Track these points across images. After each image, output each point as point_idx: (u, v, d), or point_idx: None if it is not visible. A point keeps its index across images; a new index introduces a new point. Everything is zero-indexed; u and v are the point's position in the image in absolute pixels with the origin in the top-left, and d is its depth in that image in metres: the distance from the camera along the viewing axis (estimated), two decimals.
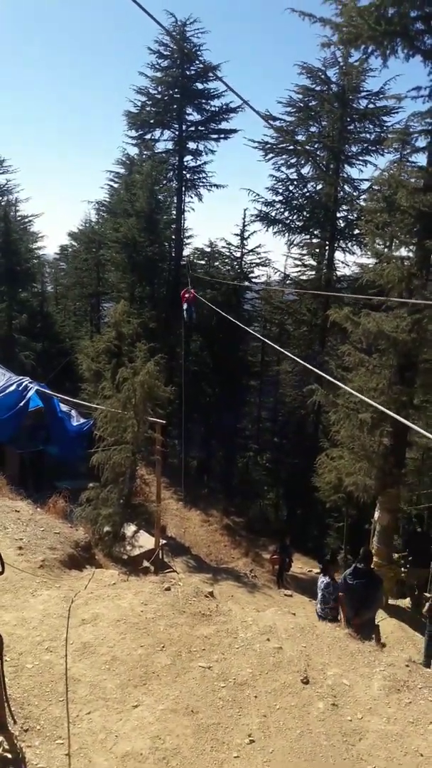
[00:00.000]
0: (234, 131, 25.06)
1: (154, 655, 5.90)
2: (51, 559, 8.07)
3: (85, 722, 4.87)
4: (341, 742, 5.00)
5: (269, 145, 22.84)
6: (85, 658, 5.73)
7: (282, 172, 23.17)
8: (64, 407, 15.07)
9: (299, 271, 25.64)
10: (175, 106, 24.63)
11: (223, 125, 25.11)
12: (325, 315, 19.62)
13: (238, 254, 25.20)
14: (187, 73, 24.11)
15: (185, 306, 18.94)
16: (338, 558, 9.04)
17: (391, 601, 12.13)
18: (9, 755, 4.27)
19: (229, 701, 5.34)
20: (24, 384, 14.21)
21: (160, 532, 13.29)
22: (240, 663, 5.90)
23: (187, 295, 19.00)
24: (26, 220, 32.63)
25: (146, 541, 12.95)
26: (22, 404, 13.90)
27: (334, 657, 6.20)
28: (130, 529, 12.54)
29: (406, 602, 12.35)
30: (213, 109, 24.80)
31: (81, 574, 8.20)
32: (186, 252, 26.20)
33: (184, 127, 24.88)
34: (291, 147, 22.71)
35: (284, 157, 23.00)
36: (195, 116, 25.05)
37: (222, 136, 25.20)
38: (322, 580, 8.25)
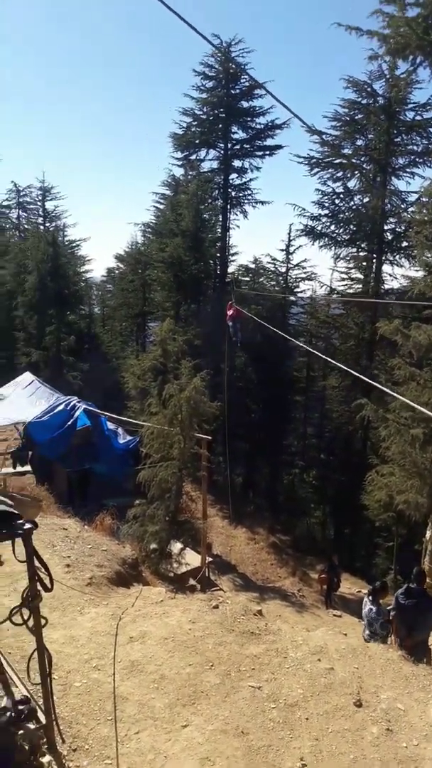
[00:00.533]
0: (279, 147, 25.26)
1: (202, 674, 5.81)
2: (98, 576, 8.10)
3: (133, 742, 4.81)
4: None
5: (315, 160, 22.86)
6: (134, 676, 5.68)
7: (328, 186, 23.16)
8: (111, 425, 15.25)
9: (346, 284, 25.42)
10: (220, 126, 25.01)
11: (269, 142, 25.40)
12: (373, 328, 19.33)
13: (284, 269, 25.20)
14: (232, 92, 24.51)
15: (230, 323, 18.93)
16: (388, 584, 8.66)
17: None
18: None
19: (279, 723, 5.20)
20: (72, 403, 14.46)
21: (206, 550, 13.20)
22: (290, 683, 5.75)
23: (230, 312, 19.00)
24: (74, 244, 33.61)
25: (192, 559, 12.88)
26: (70, 423, 14.13)
27: (388, 680, 5.97)
28: (176, 546, 12.51)
29: None
30: (258, 126, 25.11)
31: (128, 592, 8.20)
32: (231, 269, 26.44)
33: (229, 145, 25.22)
34: (337, 161, 22.67)
35: (330, 171, 22.97)
36: (240, 134, 25.44)
37: (267, 152, 25.45)
38: (370, 607, 7.96)
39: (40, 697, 4.49)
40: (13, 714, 4.33)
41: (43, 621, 4.32)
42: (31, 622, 4.25)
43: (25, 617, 4.22)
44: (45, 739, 4.44)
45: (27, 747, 4.26)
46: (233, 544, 18.08)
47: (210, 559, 13.75)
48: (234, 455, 21.80)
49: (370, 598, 8.04)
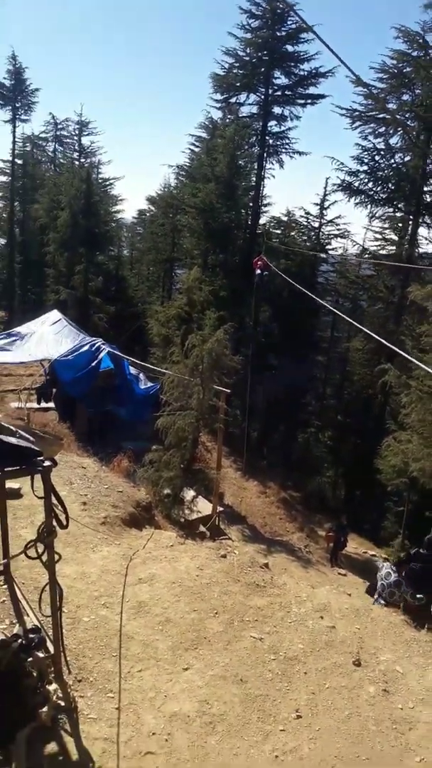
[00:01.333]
0: (322, 96, 24.11)
1: (206, 620, 5.96)
2: (113, 516, 8.28)
3: (135, 679, 4.99)
4: (390, 729, 4.91)
5: (357, 113, 21.84)
6: (140, 616, 5.86)
7: (369, 141, 22.14)
8: (133, 370, 15.29)
9: (379, 245, 24.68)
10: (262, 69, 23.88)
11: (311, 90, 24.18)
12: (404, 292, 18.87)
13: (317, 224, 24.51)
14: (278, 34, 23.28)
15: (257, 272, 18.85)
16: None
17: None
18: (62, 703, 4.43)
19: (278, 674, 5.35)
20: (97, 345, 14.47)
21: (218, 499, 13.40)
22: (292, 638, 5.89)
23: (259, 263, 18.87)
24: (107, 183, 33.05)
25: (204, 507, 13.09)
26: (93, 364, 14.18)
27: (389, 642, 6.08)
28: (189, 493, 12.70)
29: None
30: (302, 72, 23.89)
31: (140, 534, 8.38)
32: (262, 220, 25.75)
33: (270, 91, 24.14)
34: (381, 115, 21.64)
35: (372, 125, 21.95)
36: (282, 80, 24.23)
37: (309, 101, 24.31)
38: (393, 576, 7.89)
39: (50, 627, 4.65)
40: (24, 641, 4.50)
41: (56, 557, 4.43)
42: (45, 557, 4.36)
43: (40, 551, 4.33)
44: (52, 668, 4.63)
45: (35, 673, 4.45)
46: (244, 496, 18.29)
47: (221, 509, 13.96)
48: (252, 410, 21.83)
49: (394, 568, 8.03)
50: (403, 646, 6.04)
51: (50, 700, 4.40)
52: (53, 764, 4.08)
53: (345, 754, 4.61)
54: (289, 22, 23.01)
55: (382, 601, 7.63)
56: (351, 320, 12.68)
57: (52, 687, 4.50)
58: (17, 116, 34.27)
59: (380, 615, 6.63)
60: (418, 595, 7.68)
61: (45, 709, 4.32)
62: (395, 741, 4.80)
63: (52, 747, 4.18)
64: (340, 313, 14.05)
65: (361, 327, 11.01)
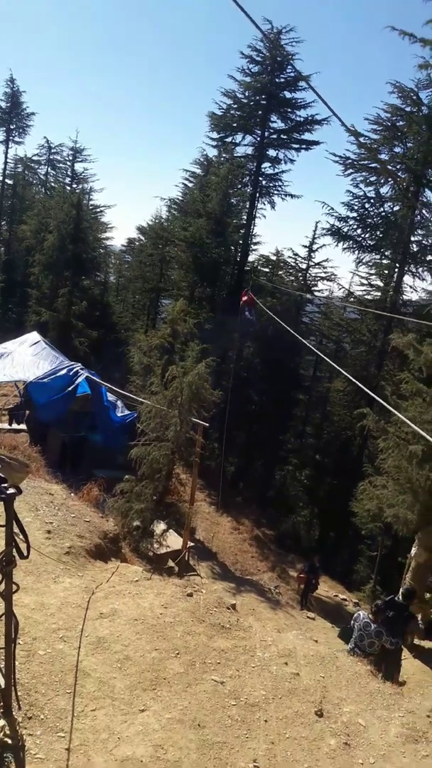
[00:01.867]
0: (316, 143, 24.83)
1: (167, 660, 5.76)
2: (78, 546, 8.06)
3: (89, 719, 4.76)
4: None
5: (350, 161, 22.49)
6: (99, 653, 5.63)
7: (360, 189, 22.80)
8: (111, 397, 15.16)
9: (364, 290, 25.16)
10: (259, 112, 24.60)
11: (306, 136, 24.92)
12: (386, 339, 19.12)
13: (304, 266, 24.95)
14: (277, 80, 24.06)
15: (244, 309, 19.09)
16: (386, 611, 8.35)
17: (416, 642, 11.63)
18: (9, 741, 4.19)
19: (237, 721, 5.15)
20: (75, 369, 14.35)
21: (189, 534, 13.17)
22: (254, 683, 5.70)
23: (245, 298, 19.14)
24: (98, 209, 33.40)
25: (174, 541, 12.86)
26: (70, 389, 14.04)
27: (353, 693, 5.92)
28: (159, 527, 12.48)
29: None
30: (298, 118, 24.64)
31: (105, 566, 8.16)
32: (251, 258, 26.17)
33: (266, 133, 24.81)
34: (372, 165, 22.29)
35: (364, 174, 22.61)
36: (279, 124, 24.98)
37: (303, 146, 25.00)
38: (372, 626, 7.61)
39: (2, 660, 4.44)
40: None
41: (15, 587, 4.26)
42: (1, 587, 4.18)
43: None
44: (1, 703, 4.39)
45: None
46: (217, 531, 18.04)
47: (192, 544, 13.72)
48: (229, 444, 21.74)
49: (371, 617, 7.79)
50: (367, 698, 5.88)
51: None
52: None
53: None
54: (288, 70, 23.83)
55: (359, 651, 7.38)
56: (332, 363, 12.77)
57: (0, 723, 4.27)
58: (11, 138, 34.88)
59: (346, 664, 6.47)
60: (393, 640, 7.53)
61: None
62: None
63: None
64: (322, 355, 14.18)
65: (341, 370, 11.08)
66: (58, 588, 6.65)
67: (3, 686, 4.38)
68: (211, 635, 6.37)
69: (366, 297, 24.81)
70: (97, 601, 6.58)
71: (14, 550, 4.13)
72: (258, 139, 25.00)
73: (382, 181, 22.41)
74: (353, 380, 8.65)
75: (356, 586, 18.93)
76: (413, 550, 12.19)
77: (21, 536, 4.18)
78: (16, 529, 4.10)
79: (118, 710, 4.97)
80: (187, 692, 5.37)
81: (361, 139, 21.67)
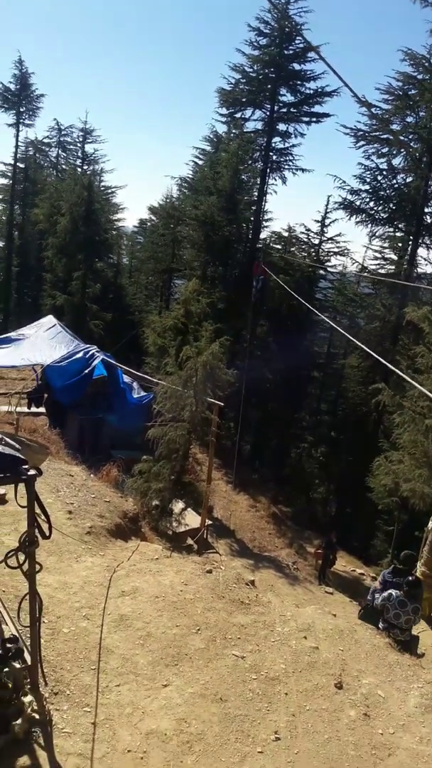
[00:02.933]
0: (327, 115, 24.30)
1: (188, 636, 5.88)
2: (99, 526, 8.19)
3: (113, 694, 4.90)
4: (369, 755, 4.83)
5: (362, 133, 22.03)
6: (121, 630, 5.77)
7: (372, 161, 22.35)
8: (126, 379, 15.24)
9: (378, 264, 24.84)
10: (268, 86, 24.09)
11: (316, 108, 24.37)
12: (401, 312, 18.93)
13: (317, 241, 24.66)
14: (285, 52, 23.51)
15: (256, 278, 19.24)
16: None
17: None
18: (37, 716, 4.34)
19: (258, 694, 5.27)
20: (91, 352, 14.43)
21: (207, 513, 13.31)
22: (274, 657, 5.81)
23: (258, 269, 19.32)
24: (109, 190, 33.20)
25: (192, 520, 13.00)
26: (87, 371, 14.13)
27: (372, 665, 6.01)
28: (178, 505, 12.62)
29: None
30: (308, 91, 24.08)
31: (126, 545, 8.30)
32: (263, 235, 25.87)
33: (276, 107, 24.32)
34: (384, 136, 21.84)
35: (376, 146, 22.14)
36: (288, 97, 24.42)
37: (314, 119, 24.49)
38: (397, 597, 7.34)
39: (28, 638, 4.57)
40: (0, 651, 4.42)
41: (37, 567, 4.36)
42: (25, 567, 4.29)
43: (21, 561, 4.26)
44: (28, 680, 4.54)
45: (10, 684, 4.36)
46: (234, 510, 18.19)
47: (210, 522, 13.86)
48: (245, 423, 21.79)
49: (400, 588, 7.51)
50: (386, 670, 5.97)
51: (24, 712, 4.31)
52: None
53: None
54: (296, 41, 23.24)
55: (396, 631, 7.16)
56: (349, 336, 12.63)
57: (27, 699, 4.41)
58: (21, 120, 34.39)
59: (364, 637, 6.56)
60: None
61: (19, 721, 4.23)
62: (374, 767, 4.72)
63: (24, 761, 4.09)
64: (339, 328, 14.02)
65: (358, 343, 10.98)
66: (80, 567, 6.78)
67: (30, 663, 4.53)
68: (230, 611, 6.48)
69: (380, 271, 24.51)
70: (118, 580, 6.71)
71: (36, 530, 4.23)
72: (268, 113, 24.55)
73: (394, 152, 21.97)
74: (370, 352, 8.61)
75: (373, 560, 19.03)
76: (430, 524, 12.22)
77: (43, 517, 4.27)
78: (38, 510, 4.19)
79: (142, 686, 5.11)
80: (209, 667, 5.50)
81: (373, 110, 21.24)
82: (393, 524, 17.87)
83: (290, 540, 17.94)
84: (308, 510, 22.39)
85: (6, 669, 4.35)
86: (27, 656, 4.56)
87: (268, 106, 24.40)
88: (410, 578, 7.58)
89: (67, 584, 6.30)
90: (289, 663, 5.74)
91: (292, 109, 24.64)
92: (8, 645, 4.55)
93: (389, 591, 7.37)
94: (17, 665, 4.44)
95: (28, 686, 4.52)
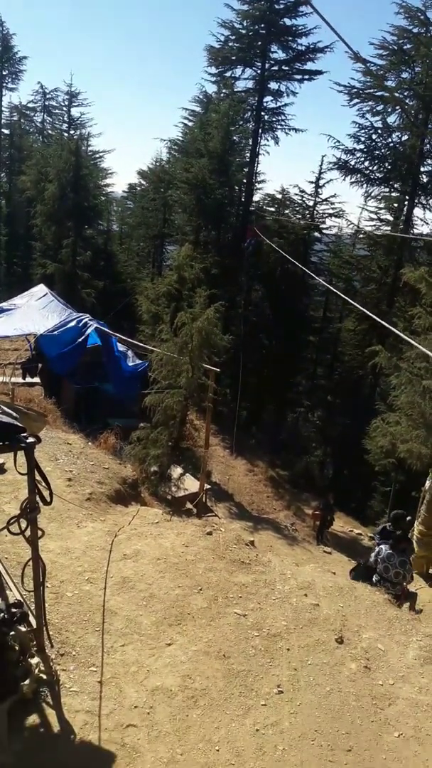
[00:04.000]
0: (319, 72, 23.68)
1: (190, 596, 5.97)
2: (98, 492, 8.24)
3: (118, 654, 5.00)
4: (370, 705, 4.96)
5: (356, 90, 21.52)
6: (124, 592, 5.85)
7: (366, 119, 21.91)
8: (121, 347, 15.16)
9: (374, 225, 24.54)
10: (259, 43, 23.37)
11: (309, 66, 23.73)
12: (397, 274, 18.81)
13: (311, 203, 24.32)
14: (276, 6, 22.72)
15: (248, 240, 19.04)
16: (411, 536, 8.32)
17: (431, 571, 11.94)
18: (44, 676, 4.43)
19: (261, 650, 5.37)
20: (84, 321, 14.30)
21: (206, 477, 13.42)
22: (275, 615, 5.91)
23: (250, 233, 19.15)
24: (97, 155, 32.44)
25: (191, 484, 13.12)
26: (80, 340, 14.03)
27: (371, 621, 6.13)
28: (176, 471, 12.71)
29: None
30: (299, 47, 23.39)
31: (126, 510, 8.37)
32: (256, 197, 25.46)
33: (267, 65, 23.64)
34: (379, 93, 21.34)
35: (370, 103, 21.66)
36: (280, 54, 23.73)
37: (306, 77, 23.85)
38: (386, 551, 7.63)
39: (33, 602, 4.63)
40: (5, 615, 4.48)
41: (39, 533, 4.39)
42: (28, 533, 4.32)
43: (23, 527, 4.28)
44: (35, 642, 4.61)
45: (17, 647, 4.43)
46: (232, 474, 18.36)
47: (208, 486, 13.99)
48: (241, 388, 21.84)
49: (391, 545, 7.74)
50: (385, 624, 6.09)
51: (32, 673, 4.39)
52: (35, 736, 4.09)
53: (325, 728, 4.66)
54: None
55: (387, 584, 7.38)
56: (347, 298, 12.54)
57: (34, 660, 4.49)
58: (4, 84, 33.47)
59: (364, 594, 6.67)
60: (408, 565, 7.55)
61: (27, 682, 4.31)
62: (375, 716, 4.85)
63: (33, 719, 4.18)
64: (336, 290, 13.92)
65: (356, 305, 10.87)
66: (82, 532, 6.85)
67: (35, 627, 4.59)
68: (231, 571, 6.57)
69: (376, 232, 24.25)
70: (120, 543, 6.78)
71: (37, 497, 4.24)
72: (258, 71, 23.87)
73: (389, 109, 21.49)
74: (369, 314, 8.53)
75: (371, 521, 19.31)
76: (427, 484, 12.36)
77: (43, 484, 4.28)
78: (38, 477, 4.19)
79: (146, 645, 5.20)
80: (211, 626, 5.59)
81: (368, 65, 20.71)
82: (390, 485, 18.09)
83: (288, 502, 18.16)
84: (305, 473, 22.60)
85: (12, 632, 4.41)
86: (32, 620, 4.63)
87: (259, 64, 23.73)
88: (397, 533, 7.82)
89: (69, 549, 6.37)
90: (290, 620, 5.85)
91: (283, 67, 23.99)
92: (13, 609, 4.60)
93: (380, 546, 7.65)
94: (23, 629, 4.50)
95: (35, 648, 4.60)
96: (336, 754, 4.45)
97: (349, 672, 5.27)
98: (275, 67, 23.93)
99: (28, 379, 15.60)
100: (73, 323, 14.14)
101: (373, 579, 7.42)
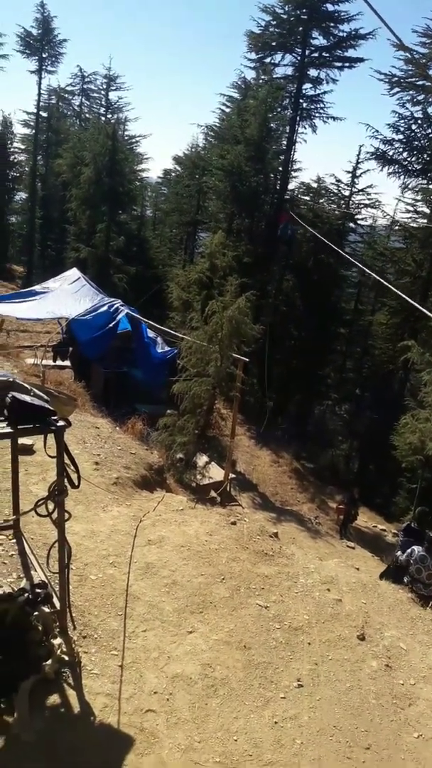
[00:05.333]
0: (360, 60, 23.10)
1: (213, 585, 5.98)
2: (125, 477, 8.29)
3: (140, 639, 5.03)
4: (390, 704, 4.92)
5: (396, 79, 20.99)
6: (147, 577, 5.88)
7: (406, 108, 21.35)
8: (151, 333, 15.19)
9: (410, 218, 24.03)
10: (300, 28, 22.93)
11: (350, 53, 23.18)
12: None
13: (347, 193, 23.91)
14: None
15: (281, 225, 18.89)
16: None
17: None
18: (66, 658, 4.48)
19: (282, 643, 5.36)
20: (115, 306, 14.36)
21: (231, 466, 13.41)
22: (297, 608, 5.88)
23: (285, 218, 19.00)
24: (133, 140, 32.50)
25: (216, 473, 13.12)
26: (111, 325, 14.09)
27: (394, 619, 6.06)
28: (202, 459, 12.72)
29: None
30: (341, 34, 22.86)
31: (151, 496, 8.40)
32: (292, 186, 25.13)
33: (307, 51, 23.20)
34: (420, 82, 20.79)
35: (411, 93, 21.12)
36: (320, 41, 23.22)
37: (347, 64, 23.33)
38: (419, 552, 7.48)
39: (57, 584, 4.68)
40: (30, 596, 4.54)
41: (66, 515, 4.42)
42: (54, 515, 4.35)
43: (50, 509, 4.31)
44: (57, 623, 4.67)
45: (40, 627, 4.49)
46: (257, 465, 18.31)
47: (233, 476, 13.99)
48: (269, 379, 21.72)
49: (421, 543, 7.64)
50: (408, 623, 6.02)
51: (54, 653, 4.44)
52: (55, 715, 4.14)
53: (343, 724, 4.63)
54: None
55: (420, 585, 7.27)
56: (389, 285, 12.10)
57: (57, 641, 4.54)
58: (43, 67, 33.41)
59: (387, 591, 6.61)
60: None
61: (49, 662, 4.37)
62: (394, 716, 4.81)
63: (54, 699, 4.24)
64: (374, 274, 13.53)
65: (398, 291, 10.58)
66: (107, 516, 6.90)
67: (58, 608, 4.64)
68: (254, 562, 6.56)
69: (411, 225, 23.76)
70: (144, 529, 6.82)
71: (65, 480, 4.27)
72: (298, 58, 23.45)
73: (430, 99, 20.97)
74: (410, 300, 8.32)
75: (395, 517, 19.10)
76: None
77: (72, 467, 4.30)
78: (66, 461, 4.21)
79: (168, 631, 5.22)
80: (233, 615, 5.59)
81: (410, 53, 20.18)
82: (416, 482, 17.85)
83: (312, 495, 18.06)
84: (331, 466, 22.43)
85: (36, 613, 4.47)
86: (56, 601, 4.68)
87: (299, 50, 23.30)
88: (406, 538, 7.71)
89: (95, 533, 6.42)
90: (312, 614, 5.82)
91: (324, 54, 23.48)
92: (38, 590, 4.66)
93: (412, 547, 7.49)
94: (47, 609, 4.55)
95: (57, 630, 4.65)
96: (354, 751, 4.42)
97: (370, 669, 5.22)
98: (315, 54, 23.47)
99: (59, 362, 15.76)
100: (104, 308, 14.20)
101: (405, 580, 7.28)
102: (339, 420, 25.70)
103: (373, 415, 23.87)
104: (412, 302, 8.35)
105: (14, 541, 5.62)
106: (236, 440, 14.91)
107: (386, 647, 5.53)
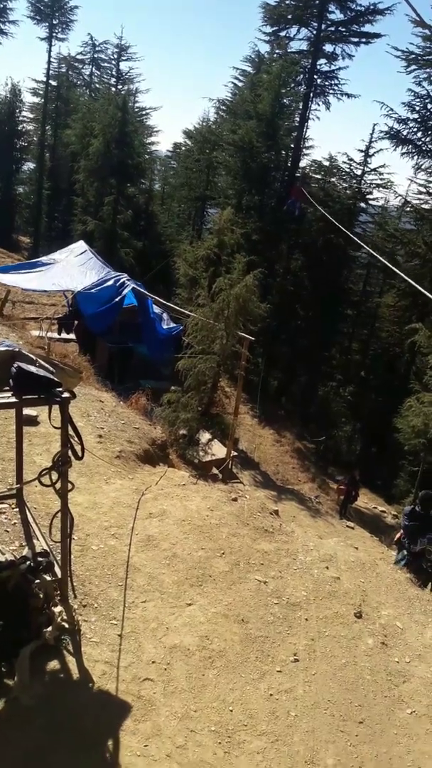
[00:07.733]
0: (377, 36, 22.64)
1: (213, 559, 6.03)
2: (128, 451, 8.32)
3: (139, 609, 5.09)
4: (385, 680, 4.98)
5: (414, 56, 20.56)
6: (148, 550, 5.94)
7: (423, 87, 20.95)
8: (156, 309, 15.12)
9: (422, 199, 23.73)
10: (317, 1, 22.43)
11: (367, 28, 22.70)
12: None
13: (359, 172, 23.59)
14: None
15: (290, 200, 18.71)
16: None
17: None
18: (66, 625, 4.54)
19: (279, 618, 5.42)
20: (122, 281, 14.28)
21: (233, 444, 13.45)
22: (296, 584, 5.94)
23: (294, 193, 18.80)
24: (144, 112, 32.05)
25: (218, 450, 13.16)
26: (117, 300, 14.03)
27: (391, 598, 6.12)
28: (204, 436, 12.75)
29: None
30: (358, 8, 22.35)
31: (154, 470, 8.44)
32: (303, 163, 24.83)
33: (323, 26, 22.71)
34: None
35: (429, 71, 20.70)
36: (337, 15, 22.75)
37: (363, 40, 22.86)
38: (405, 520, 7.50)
39: (59, 553, 4.73)
40: (32, 563, 4.59)
41: (69, 486, 4.45)
42: (58, 485, 4.37)
43: (54, 480, 4.34)
44: (58, 591, 4.72)
45: (42, 595, 4.55)
46: (259, 443, 18.38)
47: (235, 453, 14.04)
48: (274, 358, 21.70)
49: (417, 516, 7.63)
50: (405, 603, 6.08)
51: (55, 621, 4.50)
52: (55, 680, 4.22)
53: (338, 699, 4.70)
54: None
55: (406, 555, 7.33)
56: (397, 270, 12.02)
57: (57, 609, 4.60)
58: (54, 34, 32.75)
59: (385, 571, 6.66)
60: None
61: (49, 629, 4.43)
62: (388, 692, 4.87)
63: (54, 665, 4.31)
64: (382, 259, 13.43)
65: (404, 276, 10.48)
66: (110, 489, 6.94)
67: (60, 577, 4.70)
68: (254, 538, 6.61)
69: (423, 206, 23.46)
70: (146, 502, 6.86)
71: (69, 451, 4.28)
72: (314, 32, 22.97)
73: None
74: (417, 285, 8.26)
75: (395, 500, 19.21)
76: None
77: (75, 439, 4.31)
78: (70, 432, 4.22)
79: (167, 603, 5.29)
80: (232, 590, 5.65)
81: (430, 29, 19.71)
82: (417, 465, 17.90)
83: (313, 475, 18.16)
84: (333, 447, 22.49)
85: (37, 581, 4.52)
86: (57, 570, 4.73)
87: (315, 24, 22.82)
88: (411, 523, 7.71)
89: (97, 504, 6.47)
90: (310, 591, 5.87)
91: (340, 28, 23.03)
92: (40, 558, 4.72)
93: (429, 536, 7.43)
94: (48, 578, 4.61)
95: (58, 597, 4.71)
96: (347, 725, 4.49)
97: (365, 647, 5.28)
98: (332, 28, 23.01)
99: (64, 335, 15.74)
100: (110, 282, 14.13)
101: (424, 566, 7.26)
102: (343, 401, 25.67)
103: (377, 397, 23.86)
104: (419, 287, 8.25)
105: (17, 510, 5.67)
106: (239, 419, 14.93)
107: (382, 625, 5.59)
